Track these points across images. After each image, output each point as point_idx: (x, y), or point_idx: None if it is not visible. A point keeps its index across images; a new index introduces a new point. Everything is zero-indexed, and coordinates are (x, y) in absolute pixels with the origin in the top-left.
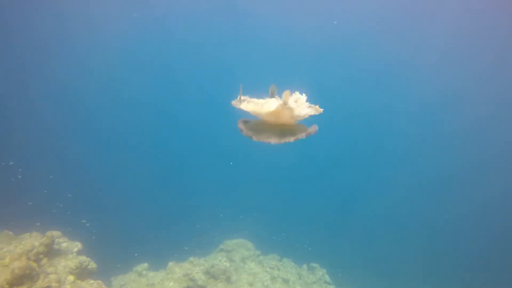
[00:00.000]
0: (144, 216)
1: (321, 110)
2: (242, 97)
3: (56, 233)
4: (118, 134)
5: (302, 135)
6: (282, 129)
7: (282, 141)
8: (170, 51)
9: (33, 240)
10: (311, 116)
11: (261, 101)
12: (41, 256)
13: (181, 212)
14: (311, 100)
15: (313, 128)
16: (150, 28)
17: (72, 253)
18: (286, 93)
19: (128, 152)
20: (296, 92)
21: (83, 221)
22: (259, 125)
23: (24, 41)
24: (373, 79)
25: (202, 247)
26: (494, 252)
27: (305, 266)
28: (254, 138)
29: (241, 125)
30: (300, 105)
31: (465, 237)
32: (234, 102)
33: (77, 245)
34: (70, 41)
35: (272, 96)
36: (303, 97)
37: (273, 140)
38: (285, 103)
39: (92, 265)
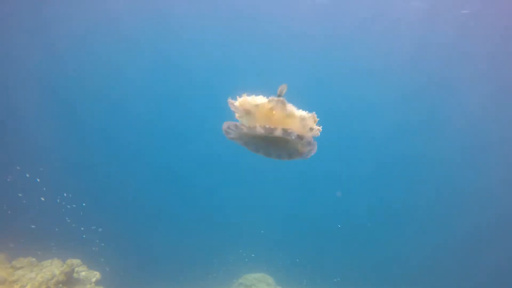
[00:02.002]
0: (163, 248)
1: (316, 116)
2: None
3: (76, 261)
4: (140, 161)
5: (293, 134)
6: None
7: (269, 129)
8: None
9: (53, 268)
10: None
11: (252, 96)
12: (60, 285)
13: (200, 244)
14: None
15: (310, 136)
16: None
17: (90, 283)
18: (283, 86)
19: (147, 182)
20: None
21: (95, 248)
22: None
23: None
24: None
25: (220, 281)
26: None
27: None
28: (244, 125)
29: (226, 124)
30: (295, 109)
31: None
32: (230, 101)
33: (95, 275)
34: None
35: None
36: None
37: (259, 130)
38: (279, 95)
39: None
